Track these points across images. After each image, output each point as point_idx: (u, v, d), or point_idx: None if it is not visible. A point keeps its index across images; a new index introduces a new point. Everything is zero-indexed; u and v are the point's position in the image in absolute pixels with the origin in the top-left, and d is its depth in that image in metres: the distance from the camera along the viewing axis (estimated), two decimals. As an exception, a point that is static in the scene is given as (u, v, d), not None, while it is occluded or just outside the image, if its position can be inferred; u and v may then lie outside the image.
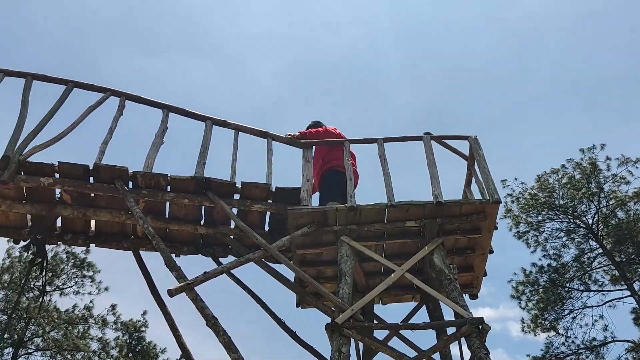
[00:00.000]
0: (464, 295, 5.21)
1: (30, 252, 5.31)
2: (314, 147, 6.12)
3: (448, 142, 6.24)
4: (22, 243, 5.72)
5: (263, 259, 5.48)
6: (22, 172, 5.22)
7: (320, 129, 6.37)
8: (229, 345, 4.52)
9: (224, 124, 6.03)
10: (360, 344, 5.83)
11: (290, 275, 5.79)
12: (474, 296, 6.36)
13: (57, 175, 5.31)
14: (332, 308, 5.17)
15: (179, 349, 5.83)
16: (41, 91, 5.97)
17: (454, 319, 5.12)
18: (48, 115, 5.54)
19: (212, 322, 4.64)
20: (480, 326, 4.55)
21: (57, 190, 5.40)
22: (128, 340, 17.76)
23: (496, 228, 5.69)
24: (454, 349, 5.71)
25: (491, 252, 5.95)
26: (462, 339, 4.82)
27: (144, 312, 18.60)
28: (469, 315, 4.67)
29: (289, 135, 6.09)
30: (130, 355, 17.24)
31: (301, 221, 5.46)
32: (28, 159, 5.22)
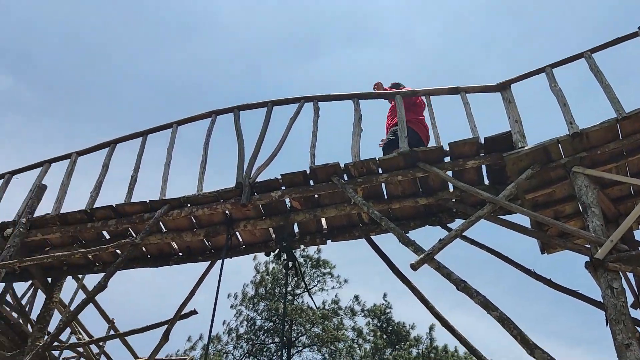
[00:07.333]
0: None
1: (282, 260, 5.94)
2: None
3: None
4: (272, 254, 6.44)
5: (492, 213, 5.28)
6: (255, 193, 5.87)
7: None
8: (486, 305, 4.41)
9: (413, 93, 5.99)
10: (631, 276, 5.23)
11: (525, 222, 5.49)
12: None
13: (283, 187, 5.85)
14: (587, 245, 4.74)
15: (435, 319, 5.97)
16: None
17: None
18: (260, 137, 6.16)
19: (462, 285, 4.60)
20: None
21: (287, 200, 5.94)
22: (378, 324, 18.75)
23: None
24: None
25: None
26: None
27: (384, 295, 19.49)
28: None
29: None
30: (384, 337, 18.16)
31: (521, 164, 5.13)
32: (256, 180, 5.87)
